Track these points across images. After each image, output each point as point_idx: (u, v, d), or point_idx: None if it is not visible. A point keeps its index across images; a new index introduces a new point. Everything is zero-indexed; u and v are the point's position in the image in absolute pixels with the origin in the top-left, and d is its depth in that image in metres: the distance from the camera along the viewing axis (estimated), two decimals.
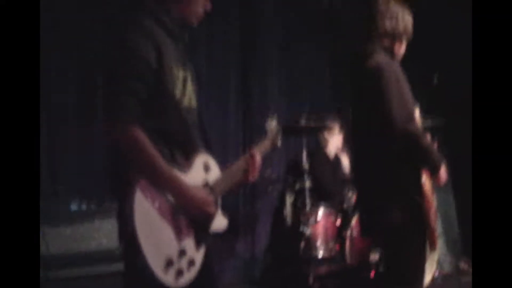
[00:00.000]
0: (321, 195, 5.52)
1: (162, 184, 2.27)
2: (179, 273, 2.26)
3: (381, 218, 3.18)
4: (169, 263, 2.22)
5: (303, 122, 5.47)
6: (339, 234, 5.29)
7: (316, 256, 5.19)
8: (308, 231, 5.22)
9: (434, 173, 3.16)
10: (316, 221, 5.29)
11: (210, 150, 2.63)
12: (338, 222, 5.36)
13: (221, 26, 6.14)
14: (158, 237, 2.21)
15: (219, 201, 2.54)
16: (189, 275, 2.32)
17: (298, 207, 5.41)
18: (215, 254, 2.63)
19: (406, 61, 3.34)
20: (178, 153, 2.41)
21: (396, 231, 3.11)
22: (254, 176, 2.72)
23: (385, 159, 3.13)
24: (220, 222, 2.54)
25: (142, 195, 2.19)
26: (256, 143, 2.87)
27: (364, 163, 3.35)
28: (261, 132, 2.98)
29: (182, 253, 2.30)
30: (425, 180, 3.12)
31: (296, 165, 5.66)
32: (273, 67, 6.64)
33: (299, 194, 5.46)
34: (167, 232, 2.27)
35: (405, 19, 3.28)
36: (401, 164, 3.09)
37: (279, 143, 2.99)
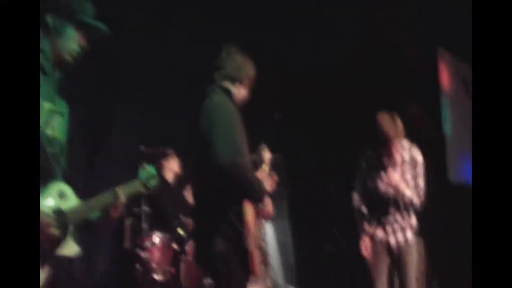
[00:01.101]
0: (158, 219, 5.64)
1: None
2: None
3: (208, 246, 3.39)
4: None
5: (142, 148, 5.59)
6: (175, 259, 5.44)
7: (152, 279, 5.29)
8: (144, 254, 5.31)
9: (256, 204, 3.47)
10: (152, 245, 5.40)
11: (70, 179, 2.70)
12: (175, 246, 5.51)
13: None
14: None
15: (71, 228, 2.59)
16: None
17: (136, 231, 5.49)
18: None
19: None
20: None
21: (220, 258, 3.33)
22: (116, 212, 2.83)
23: (212, 189, 3.37)
24: (70, 248, 2.61)
25: None
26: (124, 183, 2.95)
27: (199, 192, 3.62)
28: None
29: None
30: (248, 209, 3.34)
31: None
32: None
33: (137, 218, 5.54)
34: None
35: (247, 69, 3.64)
36: (226, 195, 3.32)
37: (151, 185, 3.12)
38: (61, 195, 2.60)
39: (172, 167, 6.16)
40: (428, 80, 7.40)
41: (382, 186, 4.60)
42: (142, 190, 3.04)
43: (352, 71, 7.07)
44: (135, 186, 2.98)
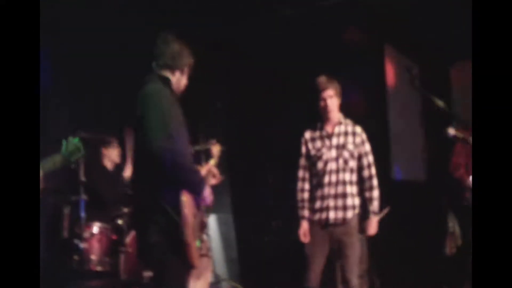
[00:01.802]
0: (97, 208, 5.47)
1: None
2: None
3: (143, 238, 3.39)
4: None
5: (82, 133, 5.40)
6: (114, 249, 5.29)
7: (90, 270, 5.14)
8: (82, 244, 5.15)
9: (196, 195, 3.41)
10: (91, 235, 5.25)
11: None
12: (114, 237, 5.36)
13: None
14: None
15: None
16: None
17: (74, 220, 5.31)
18: None
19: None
20: None
21: (157, 250, 3.30)
22: None
23: (148, 178, 3.34)
24: None
25: None
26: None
27: (138, 180, 3.54)
28: None
29: None
30: (186, 200, 3.29)
31: (74, 176, 5.55)
32: None
33: (75, 207, 5.36)
34: None
35: (183, 55, 3.60)
36: (161, 186, 3.28)
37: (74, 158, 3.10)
38: None
39: (111, 156, 6.01)
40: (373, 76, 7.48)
41: (322, 161, 4.58)
42: (65, 163, 2.96)
43: (295, 57, 7.08)
44: (55, 160, 2.91)
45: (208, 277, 5.55)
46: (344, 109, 4.70)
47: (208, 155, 4.77)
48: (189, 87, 3.68)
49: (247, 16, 7.04)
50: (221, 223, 7.72)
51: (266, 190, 7.70)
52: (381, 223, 4.71)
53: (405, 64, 7.72)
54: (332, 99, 4.58)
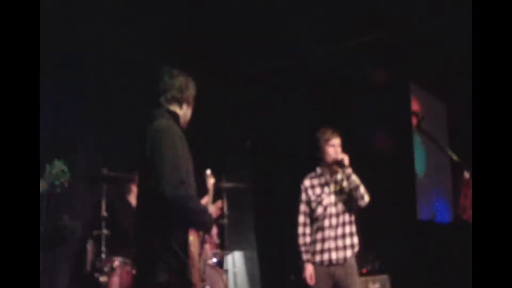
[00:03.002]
0: (119, 243, 5.56)
1: None
2: None
3: (151, 278, 3.32)
4: None
5: (105, 171, 5.54)
6: (134, 283, 5.34)
7: None
8: (103, 278, 5.22)
9: (205, 233, 3.48)
10: (112, 270, 5.32)
11: None
12: (134, 272, 5.42)
13: None
14: None
15: None
16: None
17: (96, 254, 5.41)
18: None
19: None
20: None
21: None
22: None
23: (156, 220, 3.32)
24: None
25: None
26: None
27: (142, 222, 3.50)
28: None
29: None
30: (193, 239, 3.32)
31: (97, 212, 5.67)
32: None
33: (98, 242, 5.47)
34: None
35: (189, 88, 3.68)
36: (170, 225, 3.28)
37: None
38: None
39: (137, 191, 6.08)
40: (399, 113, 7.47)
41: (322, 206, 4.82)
42: (48, 188, 2.96)
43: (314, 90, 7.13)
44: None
45: None
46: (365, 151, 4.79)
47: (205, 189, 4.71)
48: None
49: (274, 56, 7.14)
50: (246, 260, 7.74)
51: (291, 228, 7.66)
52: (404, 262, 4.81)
53: (413, 108, 7.71)
54: (336, 148, 4.83)
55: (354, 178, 4.77)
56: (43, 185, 2.91)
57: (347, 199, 4.81)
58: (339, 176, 4.88)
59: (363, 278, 6.06)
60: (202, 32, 6.61)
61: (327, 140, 4.83)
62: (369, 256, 6.69)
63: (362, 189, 4.75)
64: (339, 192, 4.83)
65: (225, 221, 6.00)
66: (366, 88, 7.16)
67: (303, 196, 4.97)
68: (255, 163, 7.86)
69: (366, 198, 4.76)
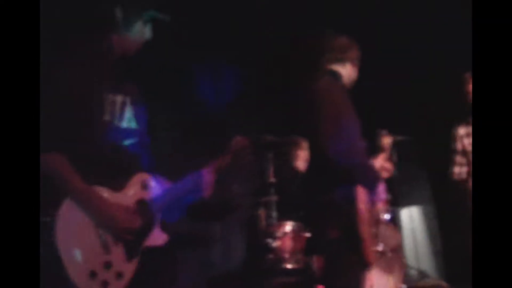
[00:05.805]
0: (289, 208, 5.61)
1: (82, 203, 2.41)
2: (104, 284, 2.41)
3: (323, 237, 3.44)
4: (92, 275, 2.37)
5: (270, 137, 5.59)
6: (307, 247, 5.38)
7: (284, 268, 5.27)
8: (275, 244, 5.30)
9: (370, 190, 3.35)
10: (284, 234, 5.38)
11: (154, 167, 2.77)
12: (307, 234, 5.45)
13: None
14: (81, 250, 2.37)
15: (158, 217, 2.67)
16: (116, 286, 2.46)
17: (267, 220, 5.51)
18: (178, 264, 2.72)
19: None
20: (111, 174, 2.58)
21: (332, 246, 3.33)
22: (207, 192, 2.85)
23: (321, 176, 3.38)
24: (157, 237, 2.67)
25: (67, 212, 2.36)
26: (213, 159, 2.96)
27: (311, 178, 3.54)
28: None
29: (107, 265, 2.44)
30: (360, 195, 3.26)
31: (265, 179, 5.76)
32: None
33: (268, 208, 5.56)
34: (90, 245, 2.41)
35: (352, 48, 3.66)
36: (337, 184, 3.30)
37: (246, 158, 3.10)
38: (144, 186, 2.64)
39: (304, 156, 6.08)
40: None
41: None
42: (235, 162, 3.01)
43: None
44: (224, 160, 2.97)
45: (398, 276, 5.39)
46: None
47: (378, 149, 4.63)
48: None
49: None
50: (424, 216, 7.50)
51: None
52: None
53: None
54: None
55: None
56: (227, 160, 2.96)
57: None
58: None
59: None
60: None
61: None
62: None
63: None
64: None
65: (396, 175, 5.86)
66: None
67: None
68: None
69: None
